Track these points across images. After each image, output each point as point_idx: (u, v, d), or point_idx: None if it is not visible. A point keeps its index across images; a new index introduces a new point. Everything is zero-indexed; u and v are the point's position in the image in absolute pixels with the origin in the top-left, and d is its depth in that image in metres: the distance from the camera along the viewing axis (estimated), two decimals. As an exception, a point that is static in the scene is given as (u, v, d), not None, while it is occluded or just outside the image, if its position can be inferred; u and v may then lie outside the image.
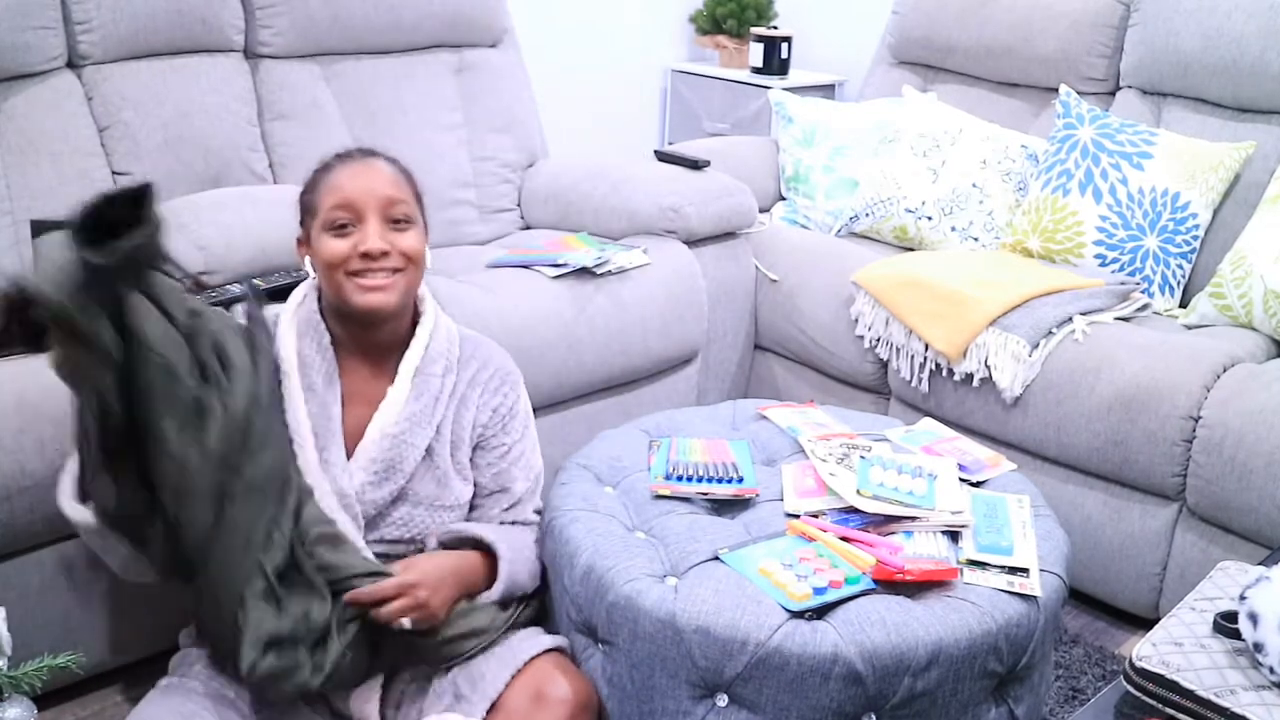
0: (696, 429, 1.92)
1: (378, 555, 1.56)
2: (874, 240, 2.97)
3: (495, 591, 1.58)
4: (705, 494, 1.68)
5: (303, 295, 1.63)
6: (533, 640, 1.57)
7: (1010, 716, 1.52)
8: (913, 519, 1.61)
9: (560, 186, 2.85)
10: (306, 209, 1.59)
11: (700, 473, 1.73)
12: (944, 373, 2.43)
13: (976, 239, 2.81)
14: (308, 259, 1.61)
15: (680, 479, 1.72)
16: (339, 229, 1.54)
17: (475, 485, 1.68)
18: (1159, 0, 2.76)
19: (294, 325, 1.59)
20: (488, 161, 2.92)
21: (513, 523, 1.69)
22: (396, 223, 1.56)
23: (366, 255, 1.52)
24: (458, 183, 2.85)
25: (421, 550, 1.60)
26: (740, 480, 1.71)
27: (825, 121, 3.15)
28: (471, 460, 1.67)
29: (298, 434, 1.53)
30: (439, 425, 1.61)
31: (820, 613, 1.43)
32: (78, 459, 1.42)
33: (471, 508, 1.68)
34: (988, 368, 2.34)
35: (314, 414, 1.55)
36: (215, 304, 2.03)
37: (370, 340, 1.60)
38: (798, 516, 1.63)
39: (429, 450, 1.60)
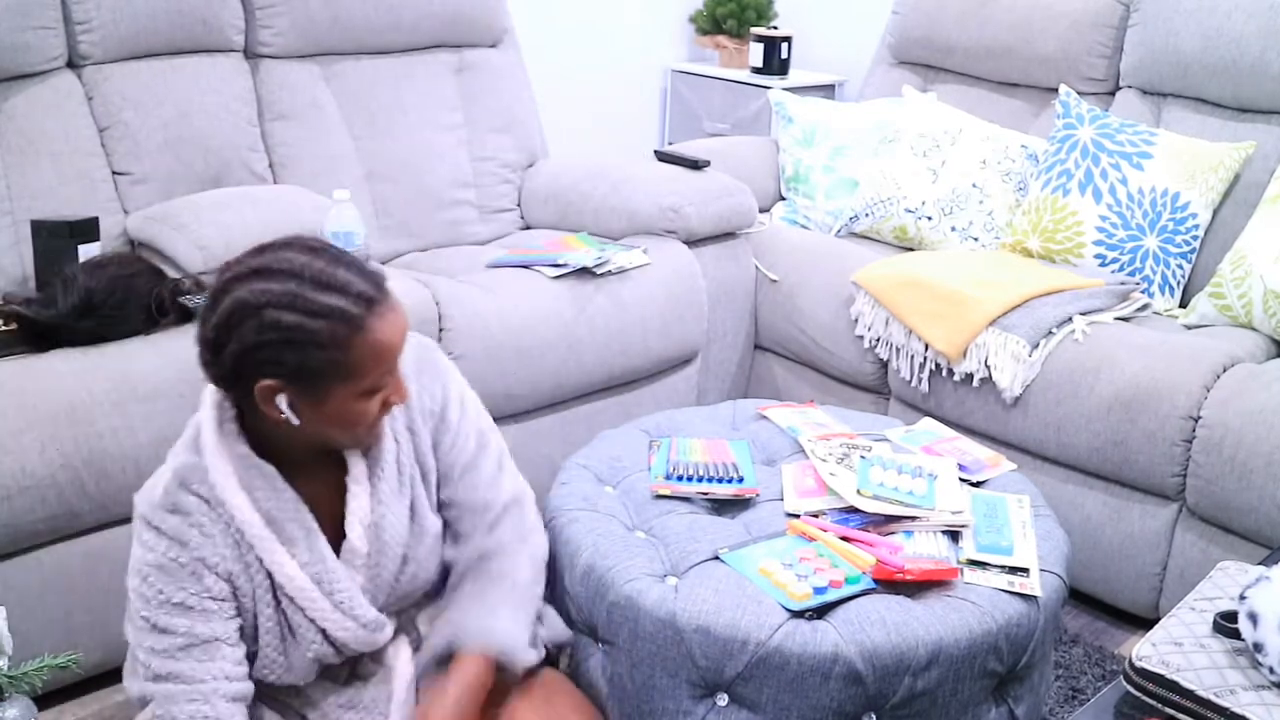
0: (696, 429, 1.92)
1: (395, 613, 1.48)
2: (874, 240, 2.97)
3: (532, 657, 1.46)
4: (706, 494, 1.68)
5: (217, 442, 1.33)
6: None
7: (1010, 716, 1.52)
8: (913, 519, 1.61)
9: (560, 186, 2.85)
10: (318, 369, 1.26)
11: (700, 473, 1.73)
12: (944, 373, 2.43)
13: (976, 239, 2.82)
14: (287, 408, 1.28)
15: (680, 479, 1.72)
16: (375, 391, 1.31)
17: (455, 510, 1.51)
18: (1159, 0, 2.77)
19: (235, 480, 1.33)
20: (488, 161, 2.92)
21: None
22: None
23: (391, 407, 1.35)
24: (458, 183, 2.85)
25: (426, 595, 1.51)
26: (740, 480, 1.72)
27: (825, 121, 3.15)
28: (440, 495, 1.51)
29: (300, 596, 1.35)
30: (408, 477, 1.46)
31: (820, 612, 1.44)
32: None
33: (457, 536, 1.52)
34: (988, 368, 2.34)
35: (306, 564, 1.36)
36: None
37: (318, 448, 1.39)
38: (798, 516, 1.63)
39: (413, 506, 1.46)
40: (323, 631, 1.39)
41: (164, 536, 1.31)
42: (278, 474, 1.35)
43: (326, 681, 1.47)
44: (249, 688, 1.36)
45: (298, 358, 1.25)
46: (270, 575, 1.36)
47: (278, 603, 1.37)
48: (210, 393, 1.35)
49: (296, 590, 1.36)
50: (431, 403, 1.47)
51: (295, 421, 1.29)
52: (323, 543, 1.38)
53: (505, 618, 1.43)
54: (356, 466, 1.41)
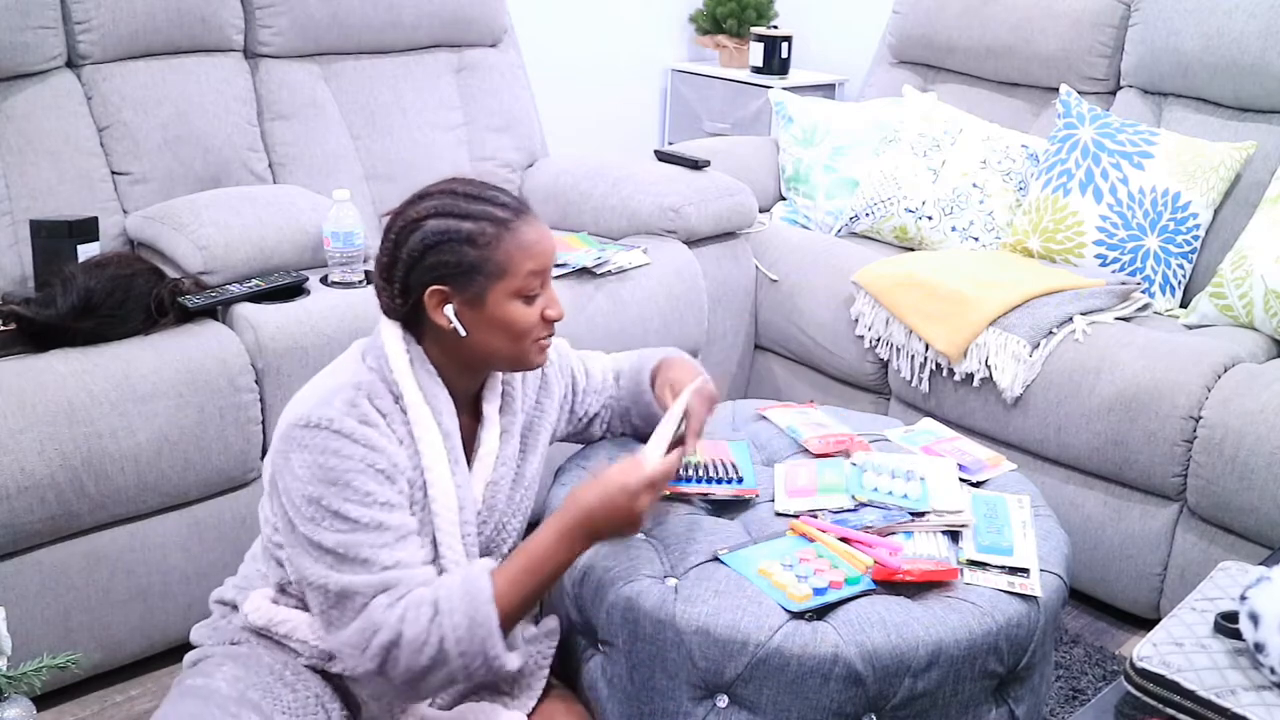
0: (696, 429, 1.92)
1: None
2: (874, 240, 2.97)
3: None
4: (705, 494, 1.68)
5: (406, 360, 1.44)
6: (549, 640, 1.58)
7: (1010, 717, 1.52)
8: (911, 519, 1.61)
9: (560, 186, 2.85)
10: (475, 267, 1.39)
11: (700, 473, 1.72)
12: (944, 373, 2.43)
13: (977, 239, 2.81)
14: (453, 315, 1.40)
15: (680, 479, 1.72)
16: (530, 296, 1.42)
17: (586, 418, 1.74)
18: (1159, 0, 2.76)
19: (421, 394, 1.43)
20: (488, 161, 2.92)
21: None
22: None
23: (551, 321, 1.45)
24: (458, 182, 2.85)
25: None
26: (740, 481, 1.71)
27: (825, 121, 3.15)
28: (568, 415, 1.71)
29: (442, 515, 1.44)
30: (522, 447, 1.58)
31: (820, 613, 1.43)
32: None
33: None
34: (988, 368, 2.33)
35: (460, 485, 1.46)
36: (215, 303, 2.04)
37: (474, 386, 1.53)
38: (791, 516, 1.63)
39: (517, 469, 1.57)
40: (433, 561, 1.44)
41: (359, 444, 1.36)
42: (452, 400, 1.46)
43: None
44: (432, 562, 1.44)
45: (455, 258, 1.38)
46: (425, 493, 1.43)
47: (421, 522, 1.44)
48: (388, 329, 1.45)
49: (444, 509, 1.44)
50: (561, 365, 1.67)
51: (462, 331, 1.41)
52: (468, 471, 1.48)
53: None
54: (491, 422, 1.52)
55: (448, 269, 1.38)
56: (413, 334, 1.45)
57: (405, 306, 1.42)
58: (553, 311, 1.45)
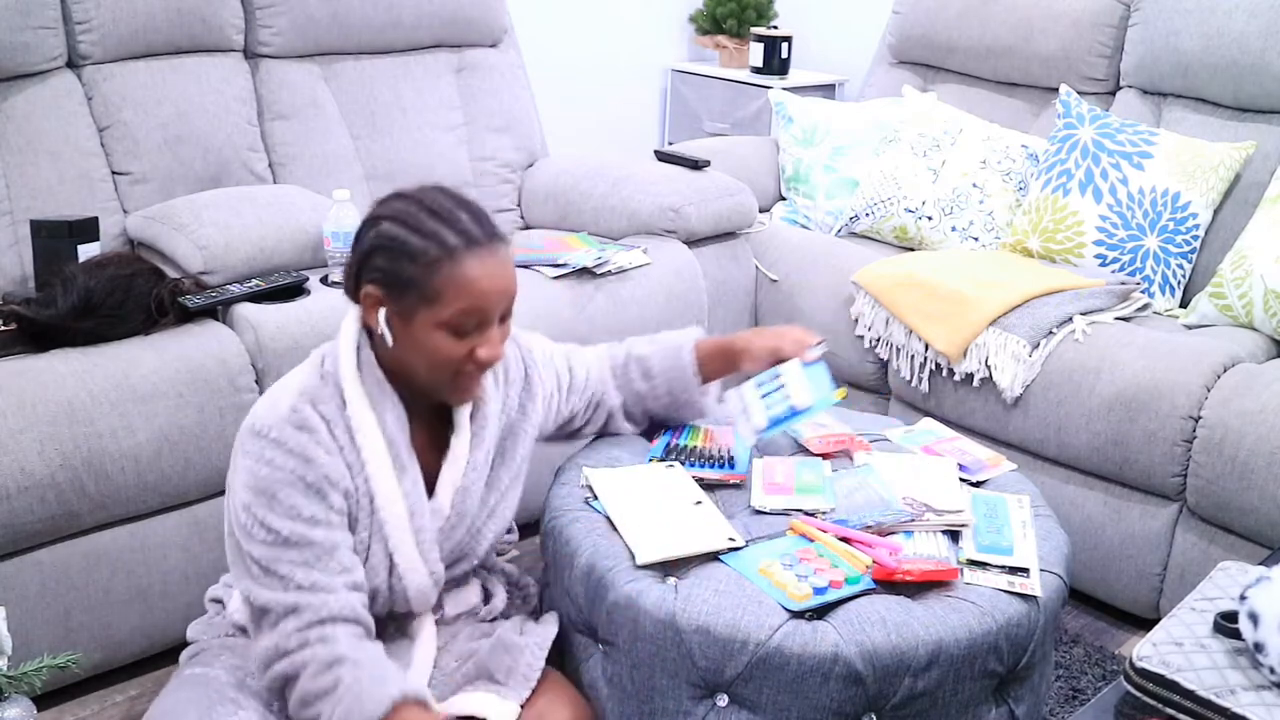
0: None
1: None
2: (874, 240, 2.97)
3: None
4: (696, 478, 1.69)
5: (354, 365, 1.43)
6: (547, 629, 1.58)
7: (1010, 716, 1.52)
8: (911, 519, 1.61)
9: (560, 186, 2.85)
10: (409, 283, 1.35)
11: (694, 457, 1.73)
12: (944, 373, 2.43)
13: (976, 239, 2.81)
14: (383, 321, 1.39)
15: (675, 463, 1.72)
16: (460, 331, 1.37)
17: (571, 418, 1.73)
18: (1159, 0, 2.76)
19: (366, 400, 1.42)
20: (487, 161, 2.92)
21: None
22: (505, 314, 1.43)
23: (481, 363, 1.40)
24: (457, 182, 2.85)
25: (468, 574, 1.60)
26: (731, 466, 1.72)
27: (825, 121, 3.15)
28: (549, 417, 1.69)
29: (392, 523, 1.43)
30: (498, 452, 1.57)
31: (820, 613, 1.43)
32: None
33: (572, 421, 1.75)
34: (988, 368, 2.34)
35: (407, 492, 1.44)
36: (214, 303, 2.04)
37: (427, 395, 1.50)
38: (765, 513, 1.63)
39: (489, 474, 1.57)
40: (390, 569, 1.45)
41: (291, 454, 1.37)
42: (402, 405, 1.44)
43: None
44: (363, 579, 1.42)
45: (393, 267, 1.36)
46: (371, 501, 1.42)
47: (369, 529, 1.43)
48: (347, 324, 1.45)
49: (392, 515, 1.43)
50: (538, 381, 1.64)
51: (389, 339, 1.39)
52: (421, 483, 1.47)
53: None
54: (462, 428, 1.50)
55: (385, 275, 1.37)
56: (368, 333, 1.44)
57: (354, 298, 1.44)
58: (484, 352, 1.39)
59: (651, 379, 1.78)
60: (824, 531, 1.56)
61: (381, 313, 1.38)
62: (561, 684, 1.54)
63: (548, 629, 1.56)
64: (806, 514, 1.63)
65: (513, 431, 1.60)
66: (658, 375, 1.77)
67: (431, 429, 1.51)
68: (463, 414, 1.52)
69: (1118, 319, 2.39)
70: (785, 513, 1.63)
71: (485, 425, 1.53)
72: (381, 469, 1.42)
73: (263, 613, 1.37)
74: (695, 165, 2.84)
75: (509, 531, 1.80)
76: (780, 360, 1.73)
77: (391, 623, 1.54)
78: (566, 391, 1.71)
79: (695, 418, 1.85)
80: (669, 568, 1.50)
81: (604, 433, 1.82)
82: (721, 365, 1.80)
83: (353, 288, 1.43)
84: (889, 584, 1.48)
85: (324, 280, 2.21)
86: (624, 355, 1.78)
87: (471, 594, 1.62)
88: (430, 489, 1.49)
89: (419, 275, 1.35)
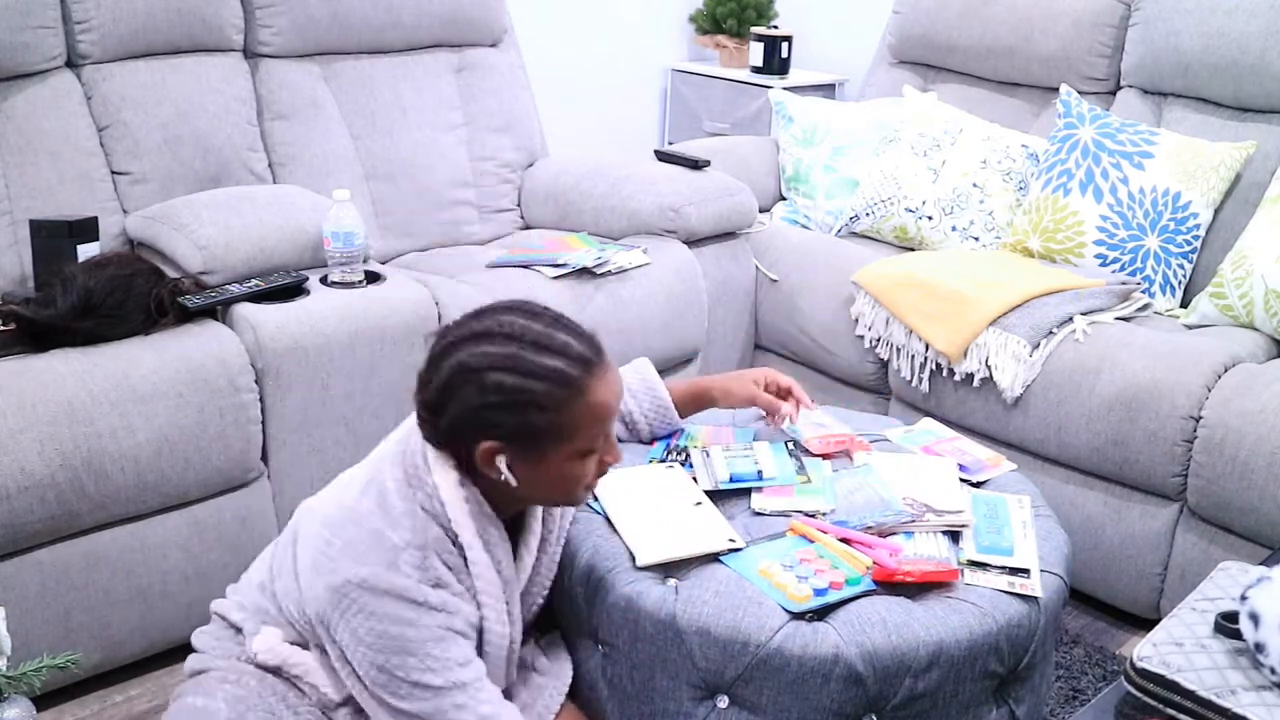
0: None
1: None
2: (874, 240, 2.97)
3: None
4: (697, 479, 1.69)
5: (465, 510, 1.36)
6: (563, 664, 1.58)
7: (1011, 717, 1.52)
8: (911, 520, 1.61)
9: (560, 186, 2.85)
10: (540, 430, 1.29)
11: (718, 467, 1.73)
12: (944, 373, 2.43)
13: (977, 239, 2.81)
14: (505, 468, 1.33)
15: (675, 463, 1.72)
16: (591, 452, 1.35)
17: None
18: (1160, 0, 2.76)
19: (480, 543, 1.38)
20: (488, 161, 2.92)
21: None
22: None
23: (606, 468, 1.39)
24: (458, 183, 2.85)
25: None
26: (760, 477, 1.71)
27: (825, 121, 3.15)
28: None
29: (494, 644, 1.42)
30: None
31: (821, 614, 1.43)
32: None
33: None
34: (988, 368, 2.33)
35: (509, 598, 1.43)
36: (214, 303, 2.04)
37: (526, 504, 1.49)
38: (764, 515, 1.63)
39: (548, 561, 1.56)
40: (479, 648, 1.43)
41: (436, 610, 1.32)
42: (501, 525, 1.40)
43: None
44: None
45: (518, 419, 1.28)
46: (480, 625, 1.40)
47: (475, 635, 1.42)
48: (441, 473, 1.35)
49: (494, 648, 1.42)
50: None
51: (513, 483, 1.33)
52: (518, 601, 1.45)
53: None
54: (534, 529, 1.48)
55: (506, 429, 1.29)
56: (463, 469, 1.36)
57: (449, 446, 1.35)
58: (610, 458, 1.37)
59: (636, 428, 1.80)
60: (824, 532, 1.56)
61: (501, 460, 1.32)
62: (572, 709, 1.54)
63: (565, 669, 1.56)
64: (807, 515, 1.63)
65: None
66: (642, 425, 1.79)
67: (510, 527, 1.48)
68: (535, 525, 1.49)
69: (1118, 319, 2.39)
70: (785, 514, 1.63)
71: (552, 523, 1.52)
72: (493, 600, 1.39)
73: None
74: (695, 165, 2.84)
75: None
76: (756, 406, 1.79)
77: None
78: None
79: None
80: (669, 569, 1.50)
81: None
82: (692, 408, 1.82)
83: (447, 439, 1.34)
84: (889, 585, 1.48)
85: (324, 280, 2.21)
86: None
87: None
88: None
89: (550, 421, 1.29)
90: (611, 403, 1.33)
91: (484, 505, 1.38)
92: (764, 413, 1.87)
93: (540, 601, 1.56)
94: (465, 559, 1.37)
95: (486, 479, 1.35)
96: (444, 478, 1.36)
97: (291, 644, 1.46)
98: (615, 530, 1.57)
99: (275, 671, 1.46)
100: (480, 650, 1.42)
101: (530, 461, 1.32)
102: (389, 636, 1.29)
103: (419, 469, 1.37)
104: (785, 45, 3.93)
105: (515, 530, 1.48)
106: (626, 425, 1.79)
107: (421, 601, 1.30)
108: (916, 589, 1.48)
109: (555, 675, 1.54)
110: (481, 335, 1.30)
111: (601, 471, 1.39)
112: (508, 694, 1.51)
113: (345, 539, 1.32)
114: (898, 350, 2.51)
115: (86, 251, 2.11)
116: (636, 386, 1.79)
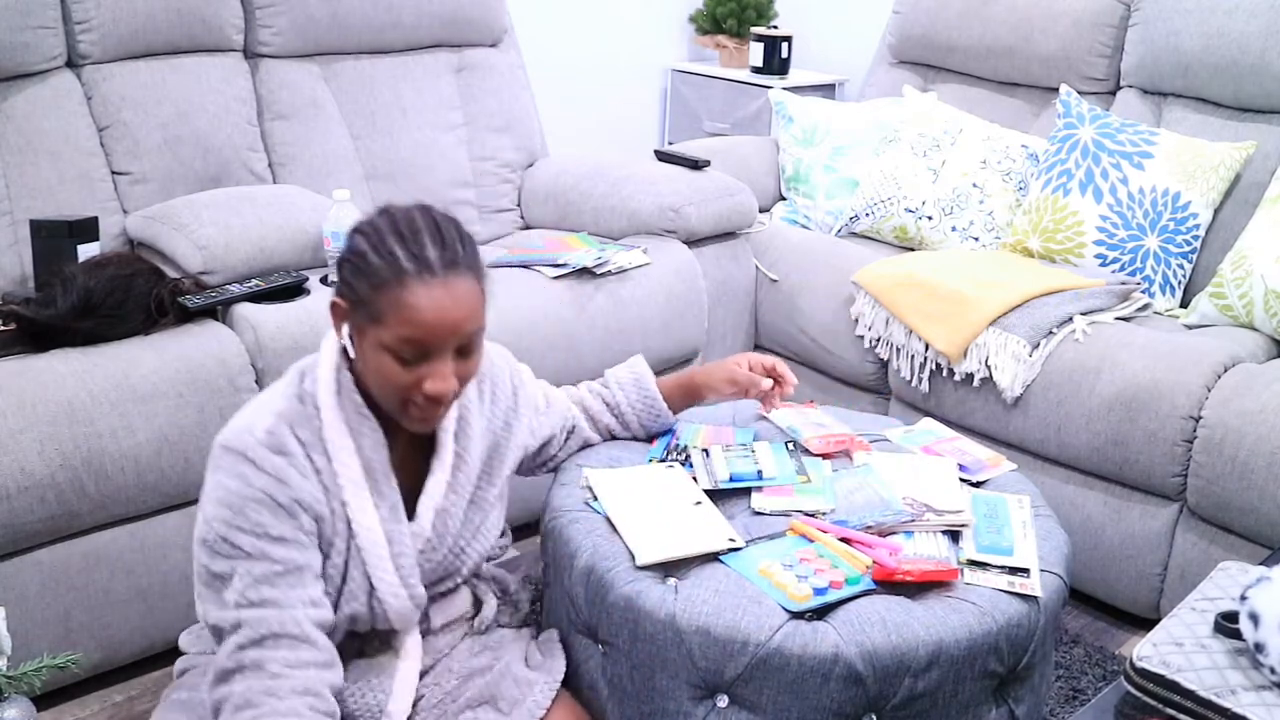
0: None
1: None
2: (874, 240, 2.97)
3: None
4: (695, 478, 1.69)
5: (333, 388, 1.40)
6: (557, 659, 1.57)
7: (1011, 717, 1.52)
8: (911, 520, 1.61)
9: (560, 186, 2.85)
10: (361, 298, 1.34)
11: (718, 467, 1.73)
12: (944, 373, 2.43)
13: (977, 239, 2.81)
14: (345, 334, 1.38)
15: (675, 463, 1.72)
16: (403, 359, 1.34)
17: (547, 461, 1.74)
18: (1159, 0, 2.76)
19: (344, 425, 1.40)
20: (487, 161, 2.92)
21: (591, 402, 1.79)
22: (464, 349, 1.37)
23: (428, 396, 1.35)
24: (457, 182, 2.85)
25: (456, 586, 1.58)
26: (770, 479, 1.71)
27: (825, 121, 3.15)
28: (529, 459, 1.69)
29: (371, 549, 1.41)
30: (483, 471, 1.56)
31: (821, 613, 1.43)
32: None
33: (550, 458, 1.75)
34: (988, 368, 2.33)
35: (384, 519, 1.42)
36: (214, 303, 2.04)
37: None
38: (765, 514, 1.63)
39: (474, 493, 1.55)
40: (369, 592, 1.43)
41: (264, 473, 1.35)
42: (380, 430, 1.42)
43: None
44: (331, 615, 1.39)
45: (354, 282, 1.35)
46: (349, 525, 1.41)
47: (346, 553, 1.42)
48: (327, 343, 1.44)
49: (369, 542, 1.41)
50: (523, 401, 1.63)
51: (351, 353, 1.39)
52: (401, 507, 1.44)
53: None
54: (444, 449, 1.49)
55: (347, 289, 1.36)
56: (345, 354, 1.42)
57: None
58: (430, 386, 1.33)
59: (625, 421, 1.81)
60: (824, 532, 1.56)
61: (345, 326, 1.38)
62: (570, 704, 1.54)
63: (557, 664, 1.55)
64: (806, 514, 1.63)
65: (498, 449, 1.57)
66: (630, 417, 1.80)
67: (414, 447, 1.48)
68: (445, 434, 1.49)
69: (1118, 319, 2.39)
70: (785, 514, 1.63)
71: (469, 445, 1.51)
72: (358, 496, 1.40)
73: (216, 632, 1.34)
74: (695, 165, 2.84)
75: (501, 535, 1.79)
76: (737, 385, 1.81)
77: (376, 637, 1.52)
78: (545, 412, 1.71)
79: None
80: (669, 568, 1.50)
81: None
82: (682, 402, 1.83)
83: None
84: (889, 584, 1.48)
85: (324, 280, 2.21)
86: (589, 402, 1.80)
87: (461, 601, 1.60)
88: (410, 510, 1.46)
89: (369, 294, 1.33)
90: (426, 316, 1.31)
91: (355, 395, 1.41)
92: (760, 405, 1.87)
93: (462, 564, 1.53)
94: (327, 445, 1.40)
95: (357, 368, 1.40)
96: (326, 356, 1.43)
97: None
98: (615, 530, 1.57)
99: None
100: (350, 549, 1.41)
101: (359, 336, 1.36)
102: (223, 489, 1.34)
103: (314, 361, 1.44)
104: (785, 45, 3.93)
105: (422, 466, 1.49)
106: (616, 418, 1.80)
107: (255, 461, 1.34)
108: (916, 588, 1.48)
109: (547, 671, 1.54)
110: (383, 210, 1.39)
111: (425, 397, 1.35)
112: (497, 693, 1.51)
113: (231, 419, 1.41)
114: (898, 350, 2.51)
115: (86, 251, 2.11)
116: (625, 379, 1.80)
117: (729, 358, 1.83)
